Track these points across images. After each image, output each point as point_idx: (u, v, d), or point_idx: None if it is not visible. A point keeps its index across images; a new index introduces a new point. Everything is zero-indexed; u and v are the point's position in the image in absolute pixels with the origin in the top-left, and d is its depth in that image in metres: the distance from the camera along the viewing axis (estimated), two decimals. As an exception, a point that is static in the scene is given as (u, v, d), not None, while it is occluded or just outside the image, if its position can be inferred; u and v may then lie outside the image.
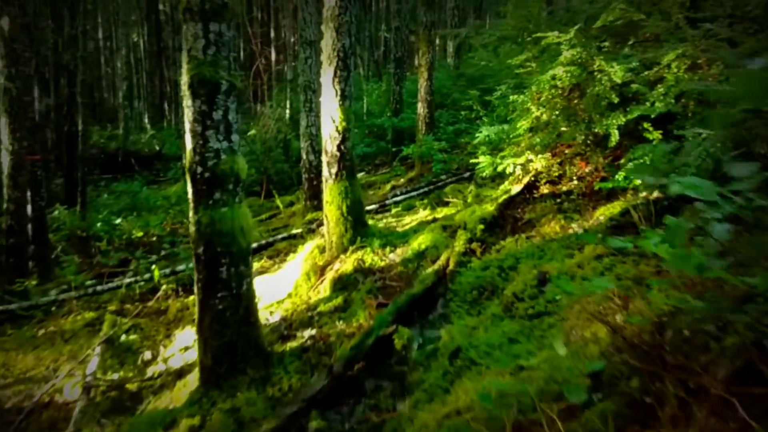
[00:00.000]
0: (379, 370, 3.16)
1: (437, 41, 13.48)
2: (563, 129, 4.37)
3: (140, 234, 8.57)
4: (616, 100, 3.87)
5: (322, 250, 4.87)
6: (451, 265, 3.74)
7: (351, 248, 4.56)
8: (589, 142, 4.19)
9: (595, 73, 3.87)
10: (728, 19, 3.91)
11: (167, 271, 6.16)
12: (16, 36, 6.36)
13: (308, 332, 3.90)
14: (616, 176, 3.75)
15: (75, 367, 4.68)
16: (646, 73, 3.96)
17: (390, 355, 3.22)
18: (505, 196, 4.47)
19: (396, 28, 10.60)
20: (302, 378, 3.24)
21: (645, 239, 1.51)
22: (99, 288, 6.08)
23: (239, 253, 3.23)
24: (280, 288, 4.80)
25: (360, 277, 4.28)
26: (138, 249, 8.10)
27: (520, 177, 4.77)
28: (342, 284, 4.28)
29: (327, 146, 4.64)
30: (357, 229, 4.64)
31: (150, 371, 4.45)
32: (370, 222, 5.76)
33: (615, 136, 3.86)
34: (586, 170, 4.65)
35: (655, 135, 3.81)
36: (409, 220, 5.71)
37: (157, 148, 18.96)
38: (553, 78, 3.83)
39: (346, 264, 4.43)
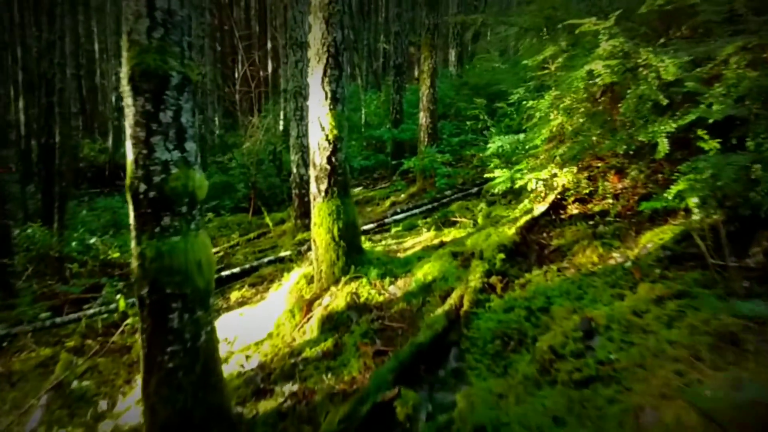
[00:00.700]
0: (375, 451, 2.42)
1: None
2: (594, 138, 3.68)
3: (116, 255, 7.84)
4: (664, 102, 3.17)
5: (310, 281, 4.14)
6: (466, 305, 3.01)
7: (343, 279, 3.83)
8: (629, 153, 3.49)
9: (640, 70, 3.18)
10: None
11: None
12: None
13: (289, 387, 3.15)
14: (665, 194, 3.05)
15: (15, 421, 3.93)
16: (698, 70, 3.27)
17: (391, 428, 2.48)
18: (526, 218, 3.75)
19: (396, 33, 9.96)
20: (276, 458, 2.50)
21: None
22: (58, 320, 5.33)
23: (196, 294, 2.50)
24: (261, 325, 4.06)
25: (354, 316, 3.54)
26: (114, 271, 7.39)
27: (543, 194, 4.06)
28: (332, 324, 3.55)
29: (315, 158, 3.93)
30: (351, 255, 3.91)
31: (101, 429, 3.70)
32: (366, 245, 5.03)
33: (663, 146, 3.15)
34: (619, 186, 3.95)
35: (712, 144, 3.10)
36: (412, 243, 4.99)
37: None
38: (589, 74, 3.14)
39: (338, 298, 3.70)
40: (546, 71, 4.35)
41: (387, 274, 3.86)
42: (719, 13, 3.26)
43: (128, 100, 2.40)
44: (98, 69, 23.95)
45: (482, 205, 5.37)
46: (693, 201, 2.97)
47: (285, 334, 3.72)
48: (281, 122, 11.26)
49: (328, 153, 3.88)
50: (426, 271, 3.69)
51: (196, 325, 2.51)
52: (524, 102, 4.57)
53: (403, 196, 8.11)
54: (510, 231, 3.66)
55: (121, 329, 4.95)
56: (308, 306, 3.79)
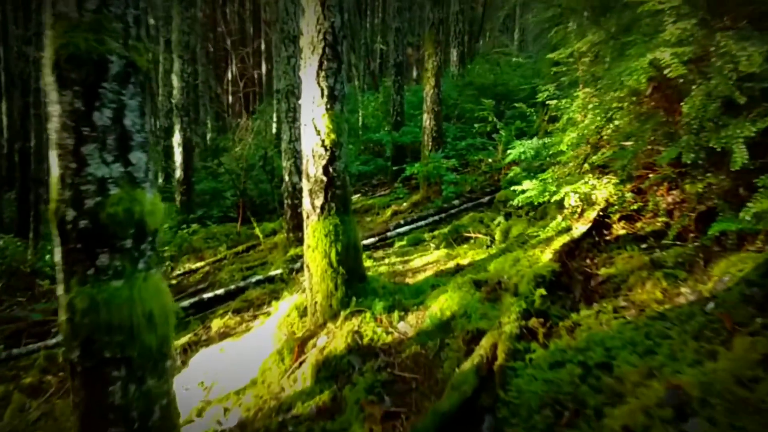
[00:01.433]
0: None
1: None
2: (648, 144, 3.05)
3: (92, 270, 7.14)
4: (741, 100, 2.54)
5: (303, 313, 3.49)
6: (500, 358, 2.36)
7: (343, 314, 3.18)
8: (698, 162, 2.86)
9: (713, 60, 2.56)
10: None
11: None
12: None
13: (276, 458, 2.51)
14: (740, 214, 2.44)
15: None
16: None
17: None
18: (564, 239, 3.12)
19: (396, 29, 9.33)
20: None
21: None
22: (15, 351, 4.64)
23: (145, 358, 1.84)
24: (244, 366, 3.40)
25: (356, 362, 2.89)
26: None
27: (579, 209, 3.43)
28: (329, 371, 2.90)
29: (309, 168, 3.28)
30: (351, 284, 3.26)
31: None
32: (368, 263, 4.39)
33: (741, 154, 2.52)
34: (669, 200, 3.33)
35: (800, 152, 2.48)
36: (421, 263, 4.34)
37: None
38: (651, 64, 2.50)
39: (336, 338, 3.05)
40: (576, 66, 3.74)
41: (395, 306, 3.21)
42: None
43: (52, 95, 1.75)
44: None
45: (499, 218, 4.74)
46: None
47: (272, 381, 3.06)
48: (274, 125, 10.61)
49: (324, 162, 3.23)
50: (443, 305, 3.05)
51: (147, 398, 1.86)
52: (551, 101, 3.96)
53: (405, 204, 7.47)
54: (544, 256, 3.02)
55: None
56: (300, 347, 3.13)
